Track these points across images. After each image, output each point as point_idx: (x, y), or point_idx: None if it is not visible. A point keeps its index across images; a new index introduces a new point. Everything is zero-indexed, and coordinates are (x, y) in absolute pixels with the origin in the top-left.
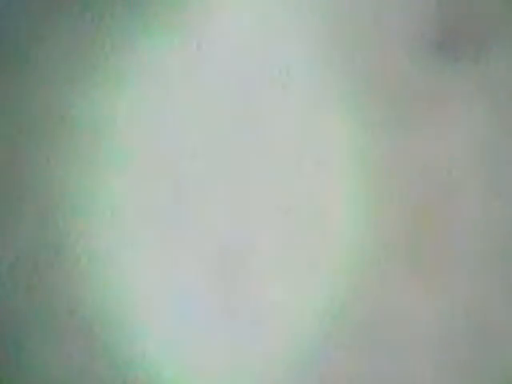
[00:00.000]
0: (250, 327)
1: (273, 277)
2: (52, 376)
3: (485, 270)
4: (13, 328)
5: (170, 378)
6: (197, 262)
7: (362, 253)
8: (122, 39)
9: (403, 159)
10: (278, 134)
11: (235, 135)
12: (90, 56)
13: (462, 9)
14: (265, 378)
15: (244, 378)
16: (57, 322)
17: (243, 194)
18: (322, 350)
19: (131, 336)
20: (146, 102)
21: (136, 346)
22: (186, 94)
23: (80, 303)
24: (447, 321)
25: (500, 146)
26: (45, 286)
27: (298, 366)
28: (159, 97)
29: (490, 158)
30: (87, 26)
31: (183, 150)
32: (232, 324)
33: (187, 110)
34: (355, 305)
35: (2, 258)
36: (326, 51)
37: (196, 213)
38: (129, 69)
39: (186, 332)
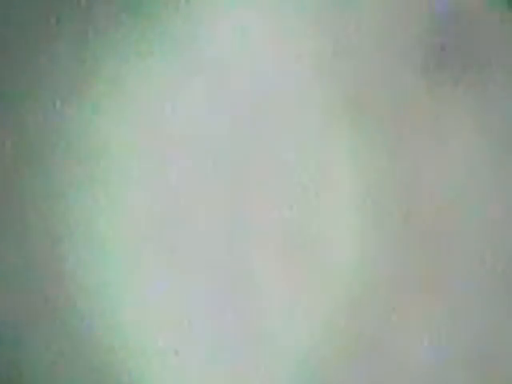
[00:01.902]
0: (246, 350)
1: (270, 302)
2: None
3: (483, 295)
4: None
5: None
6: (197, 285)
7: (360, 276)
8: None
9: (400, 179)
10: (277, 151)
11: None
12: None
13: (462, 33)
14: None
15: None
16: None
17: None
18: (318, 372)
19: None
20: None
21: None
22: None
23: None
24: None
25: (493, 166)
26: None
27: None
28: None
29: (482, 177)
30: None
31: (182, 170)
32: (229, 347)
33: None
34: (351, 332)
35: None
36: (330, 75)
37: (192, 236)
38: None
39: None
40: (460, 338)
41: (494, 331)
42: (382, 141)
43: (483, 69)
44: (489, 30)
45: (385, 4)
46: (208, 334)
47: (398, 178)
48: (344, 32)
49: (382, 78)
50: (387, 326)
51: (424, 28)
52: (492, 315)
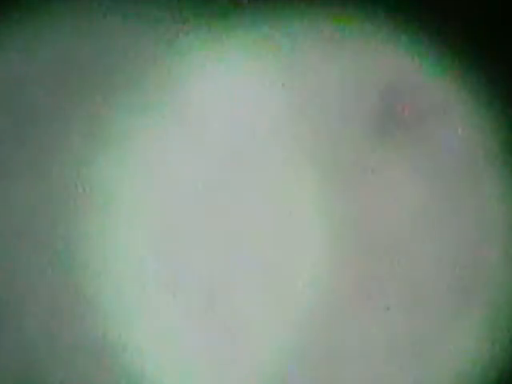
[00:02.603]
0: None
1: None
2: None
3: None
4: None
5: None
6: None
7: (323, 292)
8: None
9: (350, 217)
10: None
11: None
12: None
13: (408, 88)
14: None
15: None
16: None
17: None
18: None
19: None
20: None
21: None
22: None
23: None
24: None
25: (439, 209)
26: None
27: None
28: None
29: (428, 218)
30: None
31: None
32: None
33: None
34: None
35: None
36: (294, 129)
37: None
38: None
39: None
40: (414, 335)
41: (443, 330)
42: (341, 183)
43: (428, 124)
44: (432, 94)
45: (343, 69)
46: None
47: (356, 216)
48: (308, 95)
49: (341, 132)
50: (347, 329)
51: (377, 89)
52: (442, 315)
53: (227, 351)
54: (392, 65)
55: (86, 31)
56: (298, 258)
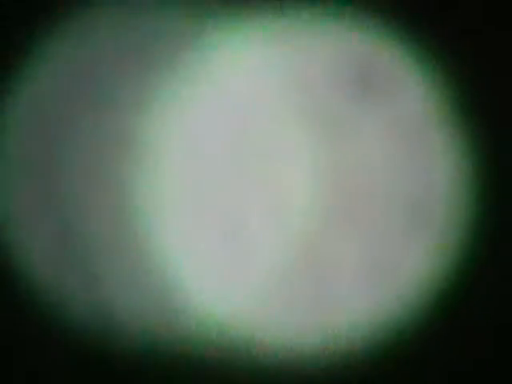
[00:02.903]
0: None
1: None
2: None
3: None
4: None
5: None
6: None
7: (311, 217)
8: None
9: (335, 162)
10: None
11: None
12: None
13: (378, 62)
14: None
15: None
16: None
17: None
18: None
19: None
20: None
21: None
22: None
23: None
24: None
25: (400, 156)
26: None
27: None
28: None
29: (391, 163)
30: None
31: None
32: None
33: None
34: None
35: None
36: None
37: None
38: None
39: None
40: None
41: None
42: (325, 136)
43: (393, 92)
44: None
45: (329, 51)
46: None
47: (336, 160)
48: (303, 70)
49: (326, 98)
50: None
51: (355, 67)
52: (399, 240)
53: (238, 261)
54: (366, 48)
55: (118, 30)
56: (295, 192)
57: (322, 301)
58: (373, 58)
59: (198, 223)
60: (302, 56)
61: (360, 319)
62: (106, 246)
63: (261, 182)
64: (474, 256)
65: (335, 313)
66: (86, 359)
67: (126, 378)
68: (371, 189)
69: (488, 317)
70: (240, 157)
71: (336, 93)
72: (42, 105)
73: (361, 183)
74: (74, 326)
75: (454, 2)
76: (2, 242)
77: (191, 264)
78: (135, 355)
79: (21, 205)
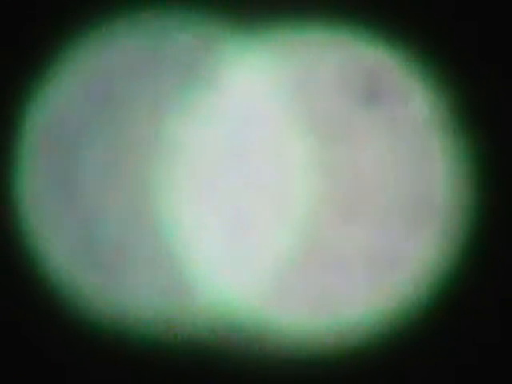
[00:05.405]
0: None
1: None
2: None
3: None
4: None
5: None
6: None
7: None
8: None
9: (339, 163)
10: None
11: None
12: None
13: (382, 69)
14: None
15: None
16: None
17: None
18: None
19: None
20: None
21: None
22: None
23: None
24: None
25: (401, 156)
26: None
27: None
28: None
29: (394, 162)
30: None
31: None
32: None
33: None
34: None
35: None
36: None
37: None
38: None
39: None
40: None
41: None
42: (332, 138)
43: (395, 100)
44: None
45: (337, 60)
46: None
47: (341, 160)
48: (312, 78)
49: (333, 104)
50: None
51: (360, 76)
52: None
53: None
54: (372, 58)
55: (139, 38)
56: (299, 186)
57: (326, 295)
58: (377, 65)
59: (207, 220)
60: (307, 64)
61: (364, 313)
62: (122, 245)
63: (268, 181)
64: (474, 255)
65: (340, 307)
66: (103, 353)
67: (139, 369)
68: (374, 188)
69: (489, 314)
70: (249, 157)
71: (341, 99)
72: (62, 110)
73: (364, 182)
74: (91, 322)
75: (455, 12)
76: (25, 246)
77: (202, 260)
78: (148, 349)
79: (42, 207)
